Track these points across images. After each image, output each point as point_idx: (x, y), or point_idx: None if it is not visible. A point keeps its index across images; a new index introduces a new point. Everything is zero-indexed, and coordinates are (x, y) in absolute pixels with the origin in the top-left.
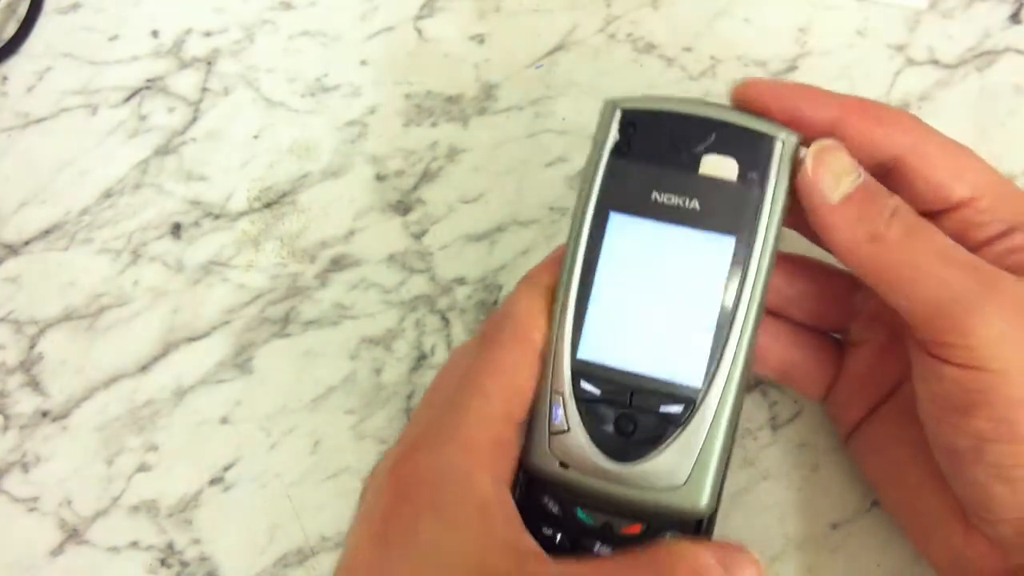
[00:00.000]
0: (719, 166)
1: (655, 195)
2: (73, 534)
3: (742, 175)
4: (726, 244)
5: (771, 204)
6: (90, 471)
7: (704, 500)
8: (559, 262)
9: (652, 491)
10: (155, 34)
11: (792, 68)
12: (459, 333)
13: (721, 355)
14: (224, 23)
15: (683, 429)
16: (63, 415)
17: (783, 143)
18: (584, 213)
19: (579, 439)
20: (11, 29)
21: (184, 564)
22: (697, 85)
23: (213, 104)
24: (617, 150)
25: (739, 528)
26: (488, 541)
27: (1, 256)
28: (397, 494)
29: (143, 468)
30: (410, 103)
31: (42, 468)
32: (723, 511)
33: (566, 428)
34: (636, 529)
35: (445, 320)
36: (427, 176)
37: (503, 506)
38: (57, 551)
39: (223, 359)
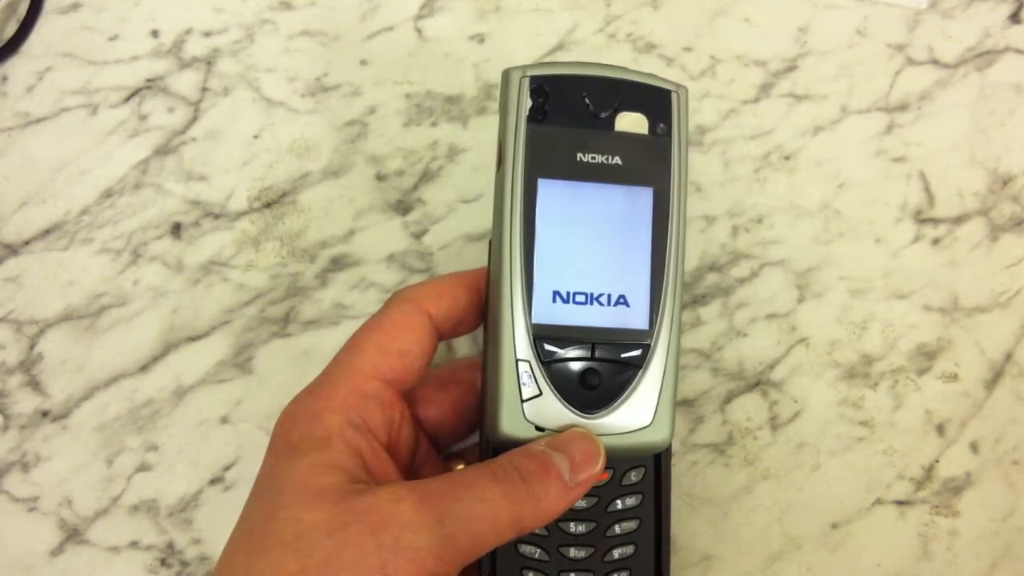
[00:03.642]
0: (633, 122)
1: (580, 156)
2: (73, 534)
3: (652, 128)
4: (647, 194)
5: (679, 150)
6: (90, 471)
7: (668, 432)
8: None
9: (623, 435)
10: (155, 34)
11: (792, 68)
12: None
13: (663, 295)
14: (224, 23)
15: (644, 371)
16: (63, 415)
17: (678, 94)
18: (512, 182)
19: (552, 402)
20: (11, 29)
21: (184, 564)
22: (697, 85)
23: (213, 104)
24: (533, 117)
25: (739, 528)
26: (317, 466)
27: (1, 256)
28: (268, 450)
29: (143, 468)
30: (410, 103)
31: (42, 468)
32: (723, 511)
33: (538, 393)
34: (605, 476)
35: None
36: (427, 176)
37: (346, 441)
38: (57, 551)
39: (223, 359)
